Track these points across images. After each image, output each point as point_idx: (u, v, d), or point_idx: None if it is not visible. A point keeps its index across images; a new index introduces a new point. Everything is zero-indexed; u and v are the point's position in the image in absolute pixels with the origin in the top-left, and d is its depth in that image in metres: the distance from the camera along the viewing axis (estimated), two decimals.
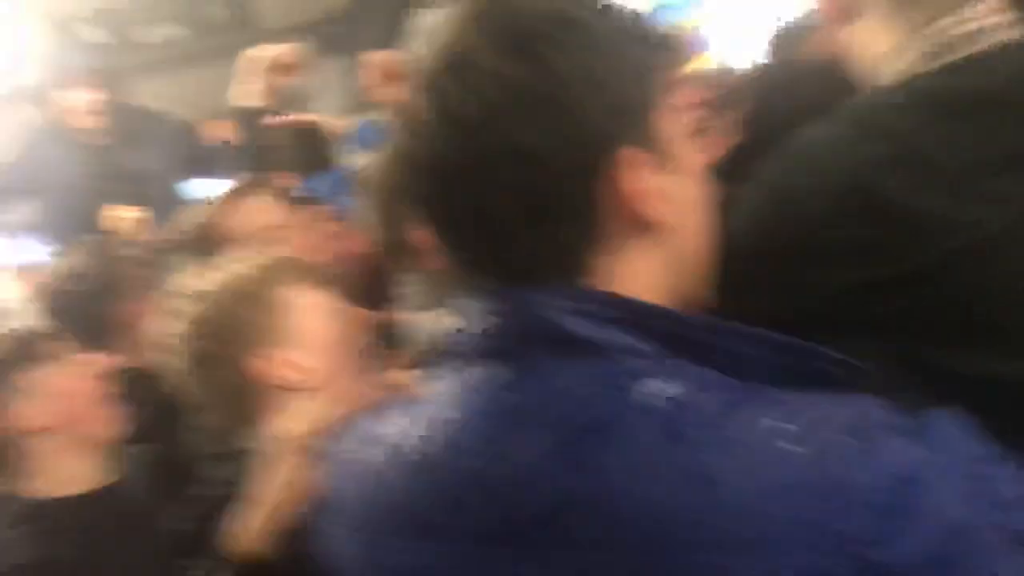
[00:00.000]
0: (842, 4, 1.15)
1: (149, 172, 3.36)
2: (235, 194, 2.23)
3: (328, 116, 4.17)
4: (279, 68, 2.31)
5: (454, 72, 0.78)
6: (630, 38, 0.81)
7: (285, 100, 2.30)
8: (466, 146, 0.77)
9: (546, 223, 0.78)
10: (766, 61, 2.48)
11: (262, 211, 2.17)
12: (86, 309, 2.19)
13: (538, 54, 0.76)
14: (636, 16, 0.82)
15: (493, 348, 0.81)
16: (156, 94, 4.85)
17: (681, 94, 0.83)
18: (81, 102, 3.34)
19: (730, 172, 1.02)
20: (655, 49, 0.82)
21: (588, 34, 0.78)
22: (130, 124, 3.48)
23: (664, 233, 0.81)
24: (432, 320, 1.99)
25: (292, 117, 2.72)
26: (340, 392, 1.35)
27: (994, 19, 1.07)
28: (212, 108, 3.35)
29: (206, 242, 2.07)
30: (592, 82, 0.76)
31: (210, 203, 2.25)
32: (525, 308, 0.79)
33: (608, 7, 0.82)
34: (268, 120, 2.31)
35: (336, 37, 7.23)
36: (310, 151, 3.39)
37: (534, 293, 0.79)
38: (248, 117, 2.32)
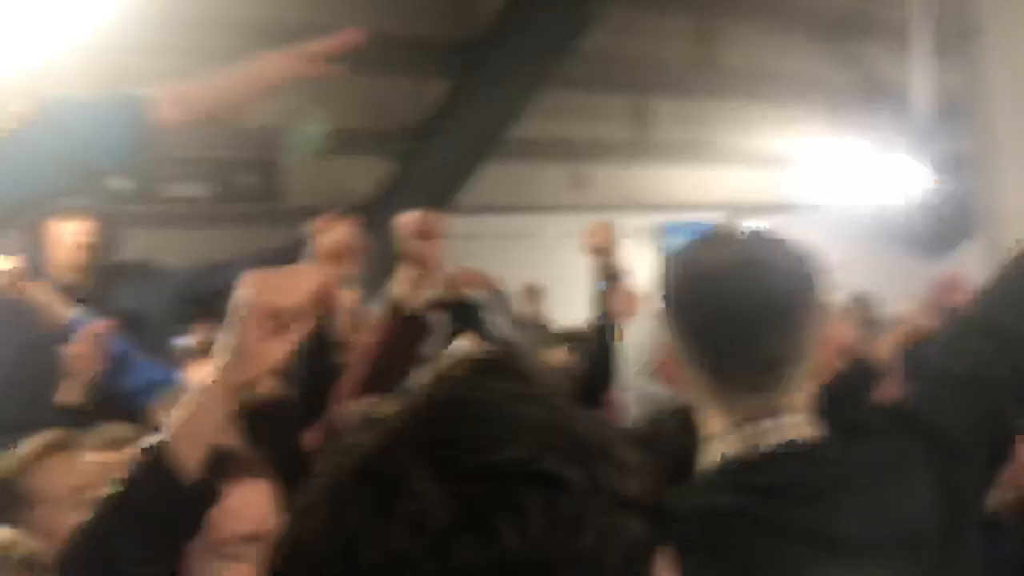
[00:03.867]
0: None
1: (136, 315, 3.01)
2: (41, 450, 1.97)
3: None
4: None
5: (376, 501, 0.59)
6: (621, 508, 0.59)
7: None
8: None
9: None
10: None
11: (70, 471, 1.93)
12: None
13: (497, 532, 0.56)
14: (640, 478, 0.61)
15: None
16: (175, 248, 4.97)
17: None
18: (70, 233, 3.00)
19: None
20: (649, 522, 0.61)
21: (572, 505, 0.57)
22: (119, 273, 3.16)
23: None
24: None
25: None
26: None
27: (799, 428, 1.21)
28: None
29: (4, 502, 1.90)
30: (562, 572, 0.56)
31: (11, 456, 1.98)
32: None
33: (605, 459, 0.60)
34: None
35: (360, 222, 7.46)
36: None
37: None
38: None
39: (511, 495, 0.56)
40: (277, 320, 1.14)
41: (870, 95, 9.98)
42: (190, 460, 1.17)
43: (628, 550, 0.58)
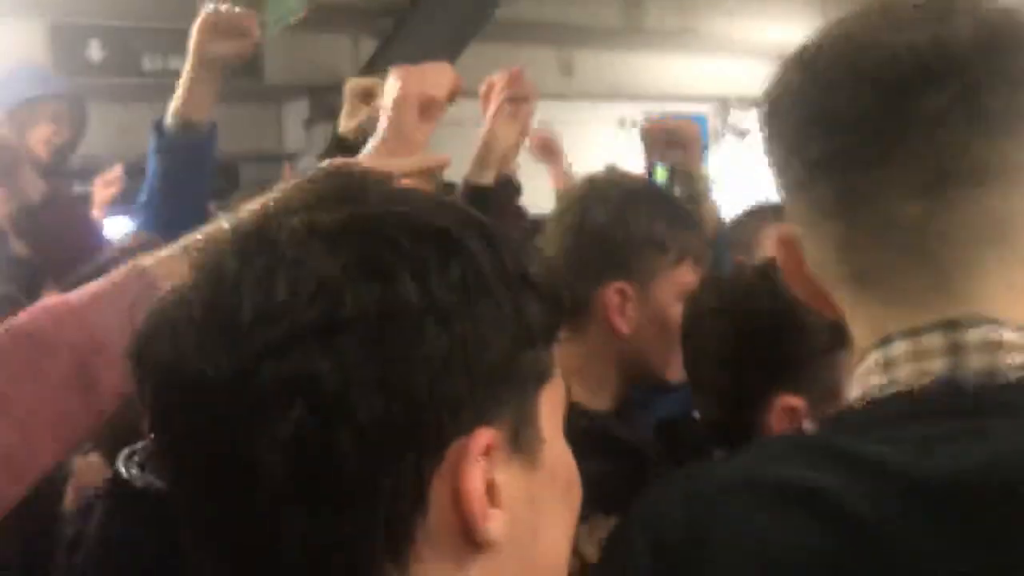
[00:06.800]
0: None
1: None
2: None
3: None
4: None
5: (266, 253, 0.57)
6: (520, 283, 0.60)
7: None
8: (236, 353, 0.53)
9: (328, 509, 0.54)
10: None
11: None
12: None
13: (392, 276, 0.55)
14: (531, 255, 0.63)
15: None
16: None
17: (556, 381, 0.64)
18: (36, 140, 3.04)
19: None
20: (547, 305, 0.61)
21: (471, 265, 0.57)
22: None
23: (497, 555, 0.57)
24: None
25: None
26: None
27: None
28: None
29: None
30: (456, 326, 0.55)
31: None
32: None
33: (499, 237, 0.61)
34: None
35: (335, 104, 7.35)
36: None
37: None
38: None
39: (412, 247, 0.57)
40: (424, 107, 1.26)
41: None
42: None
43: (528, 330, 0.60)
